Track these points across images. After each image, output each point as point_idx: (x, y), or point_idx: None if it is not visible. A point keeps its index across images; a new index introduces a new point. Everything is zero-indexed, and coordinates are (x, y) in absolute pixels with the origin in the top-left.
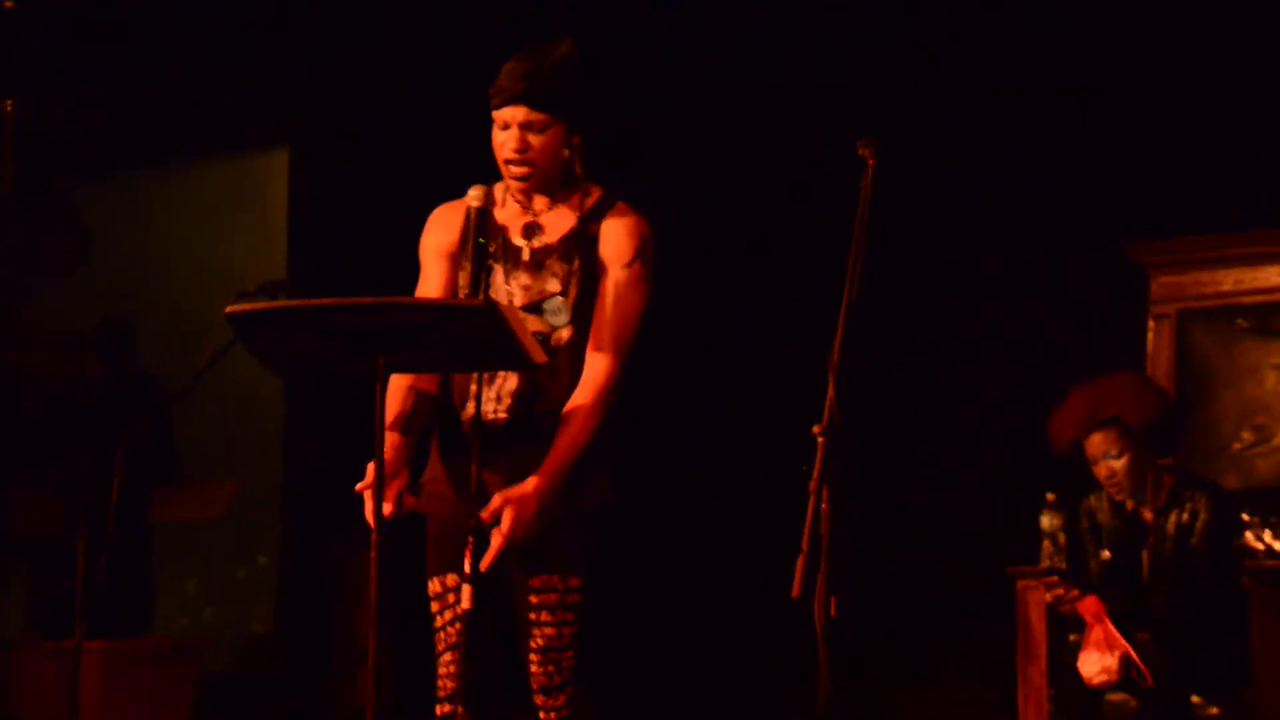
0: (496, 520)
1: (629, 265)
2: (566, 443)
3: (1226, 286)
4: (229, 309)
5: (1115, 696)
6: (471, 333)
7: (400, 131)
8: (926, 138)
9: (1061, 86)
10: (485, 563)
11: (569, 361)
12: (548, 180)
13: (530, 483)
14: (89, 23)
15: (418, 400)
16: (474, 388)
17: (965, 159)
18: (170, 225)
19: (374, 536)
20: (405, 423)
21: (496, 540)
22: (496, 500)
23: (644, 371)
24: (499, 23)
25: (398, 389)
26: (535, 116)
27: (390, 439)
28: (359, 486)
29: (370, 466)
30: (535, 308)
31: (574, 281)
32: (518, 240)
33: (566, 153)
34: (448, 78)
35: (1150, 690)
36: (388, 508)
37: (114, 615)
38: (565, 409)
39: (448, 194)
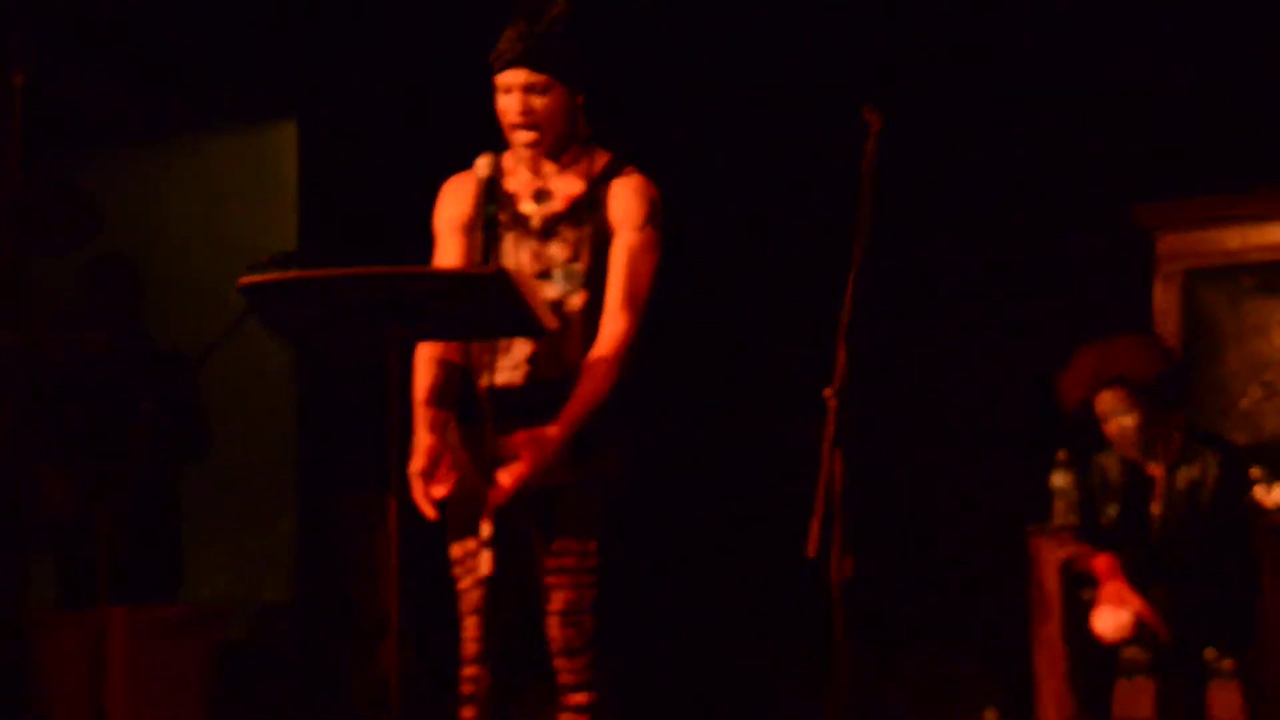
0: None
1: (641, 229)
2: (584, 394)
3: (1232, 246)
4: (241, 281)
5: (1129, 652)
6: (483, 300)
7: (410, 101)
8: (930, 101)
9: (1065, 48)
10: (501, 497)
11: (583, 327)
12: (554, 143)
13: (551, 428)
14: None
15: (448, 371)
16: (489, 356)
17: (969, 123)
18: (180, 200)
19: (392, 503)
20: (439, 396)
21: (513, 474)
22: (521, 435)
23: (653, 341)
24: None
25: (426, 361)
26: (536, 78)
27: (429, 415)
28: (411, 472)
29: (422, 451)
30: (546, 274)
31: (585, 247)
32: (527, 207)
33: (571, 113)
34: (458, 45)
35: (1165, 645)
36: (442, 489)
37: (140, 587)
38: (583, 363)
39: (459, 162)
